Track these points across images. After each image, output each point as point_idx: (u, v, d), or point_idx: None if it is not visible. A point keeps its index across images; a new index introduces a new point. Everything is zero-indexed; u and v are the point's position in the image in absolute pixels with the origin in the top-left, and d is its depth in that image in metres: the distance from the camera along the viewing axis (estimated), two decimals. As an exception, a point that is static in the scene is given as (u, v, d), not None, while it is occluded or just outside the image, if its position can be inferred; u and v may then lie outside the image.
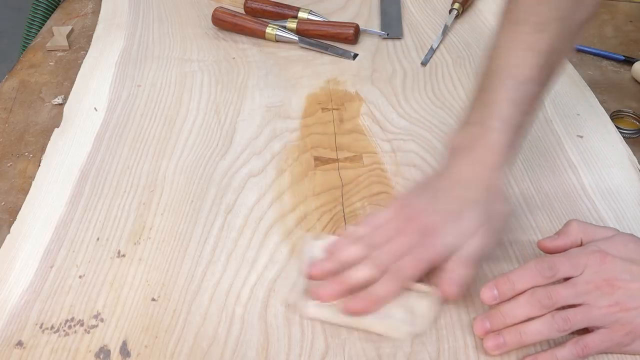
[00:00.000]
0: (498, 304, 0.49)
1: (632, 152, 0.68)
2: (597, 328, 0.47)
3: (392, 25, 0.92)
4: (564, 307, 0.47)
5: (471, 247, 0.51)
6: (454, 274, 0.51)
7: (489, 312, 0.50)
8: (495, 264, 0.56)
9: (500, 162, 0.54)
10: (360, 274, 0.51)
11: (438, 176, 0.56)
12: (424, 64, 0.83)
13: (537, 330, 0.47)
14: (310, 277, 0.53)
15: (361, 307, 0.50)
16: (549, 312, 0.47)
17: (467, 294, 0.54)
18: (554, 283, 0.48)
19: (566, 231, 0.52)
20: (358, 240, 0.53)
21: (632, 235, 0.52)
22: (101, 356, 0.49)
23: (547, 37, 0.53)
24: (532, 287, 0.48)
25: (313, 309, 0.52)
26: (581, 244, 0.51)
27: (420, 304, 0.52)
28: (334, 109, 0.76)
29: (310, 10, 0.91)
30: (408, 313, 0.51)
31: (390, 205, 0.56)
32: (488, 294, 0.49)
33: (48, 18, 1.02)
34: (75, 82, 0.79)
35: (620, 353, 0.49)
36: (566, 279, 0.48)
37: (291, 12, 0.92)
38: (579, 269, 0.48)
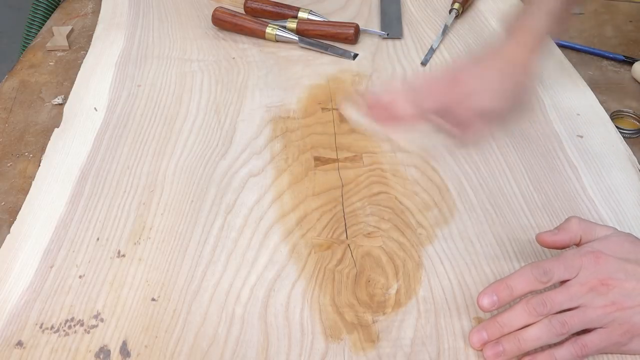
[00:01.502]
0: (493, 314, 0.49)
1: (632, 152, 0.68)
2: (595, 328, 0.47)
3: (392, 25, 0.92)
4: (561, 310, 0.47)
5: (497, 110, 0.61)
6: (475, 129, 0.61)
7: (484, 323, 0.50)
8: (495, 263, 0.57)
9: (538, 45, 0.64)
10: (407, 109, 0.61)
11: (487, 50, 0.66)
12: (424, 64, 0.83)
13: (536, 336, 0.47)
14: (370, 105, 0.63)
15: (385, 120, 0.62)
16: (545, 317, 0.47)
17: (467, 294, 0.54)
18: (549, 286, 0.48)
19: (566, 227, 0.52)
20: (413, 88, 0.63)
21: (629, 234, 0.52)
22: (101, 356, 0.49)
23: None
24: (529, 292, 0.48)
25: (366, 122, 0.62)
26: (580, 241, 0.51)
27: (441, 140, 0.62)
28: (334, 109, 0.76)
29: (310, 10, 0.91)
30: (425, 135, 0.63)
31: (444, 67, 0.73)
32: (488, 300, 0.49)
33: (48, 18, 1.02)
34: (75, 82, 0.79)
35: (619, 353, 0.49)
36: (562, 281, 0.48)
37: (291, 12, 0.92)
38: (574, 271, 0.48)
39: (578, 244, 0.52)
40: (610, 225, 0.54)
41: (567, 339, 0.47)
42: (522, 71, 0.64)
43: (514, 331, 0.48)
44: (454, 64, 0.71)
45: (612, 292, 0.47)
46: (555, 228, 0.53)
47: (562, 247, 0.52)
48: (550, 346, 0.48)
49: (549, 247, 0.52)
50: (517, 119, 0.64)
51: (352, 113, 0.65)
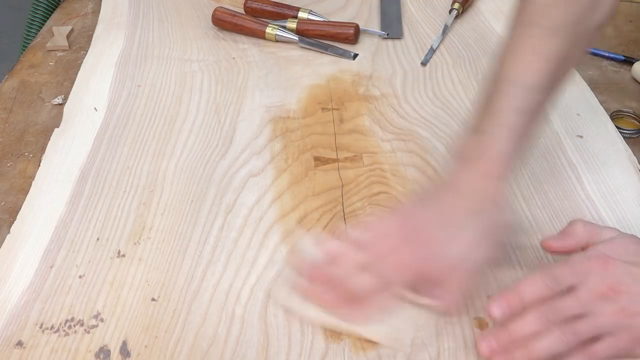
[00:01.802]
0: (502, 321, 0.48)
1: (632, 152, 0.68)
2: (605, 336, 0.47)
3: (392, 25, 0.92)
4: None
5: (473, 261, 0.51)
6: (453, 289, 0.51)
7: (493, 330, 0.49)
8: (495, 264, 0.56)
9: (505, 172, 0.53)
10: (364, 284, 0.50)
11: (442, 186, 0.55)
12: (424, 64, 0.83)
13: (546, 345, 0.46)
14: (311, 279, 0.52)
15: (354, 316, 0.51)
16: (556, 326, 0.46)
17: (467, 295, 0.54)
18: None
19: (572, 232, 0.51)
20: (362, 247, 0.52)
21: (633, 236, 0.51)
22: (101, 356, 0.49)
23: (558, 42, 0.51)
24: (539, 299, 0.47)
25: (312, 312, 0.51)
26: (586, 246, 0.50)
27: (419, 315, 0.52)
28: (334, 109, 0.76)
29: (310, 10, 0.91)
30: (407, 323, 0.51)
31: (393, 214, 0.55)
32: (498, 309, 0.47)
33: (48, 18, 1.02)
34: (75, 82, 0.79)
35: (628, 358, 0.48)
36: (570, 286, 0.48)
37: (291, 12, 0.92)
38: (583, 276, 0.47)
39: (584, 248, 0.51)
40: (612, 227, 0.54)
41: (576, 347, 0.47)
42: (496, 207, 0.53)
43: (523, 339, 0.47)
44: (405, 209, 0.56)
45: (621, 298, 0.46)
46: (560, 233, 0.52)
47: (569, 253, 0.51)
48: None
49: (555, 253, 0.51)
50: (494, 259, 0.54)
51: (290, 301, 0.53)
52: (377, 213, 0.61)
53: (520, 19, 0.53)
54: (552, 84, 0.53)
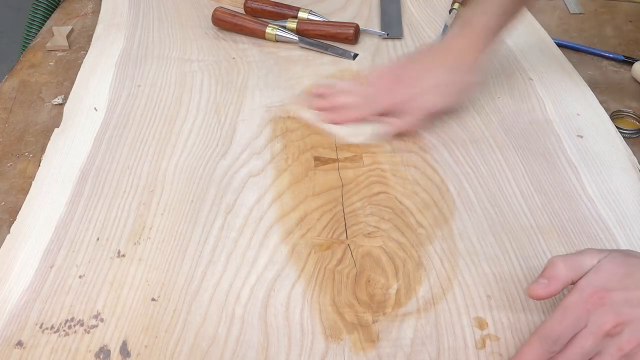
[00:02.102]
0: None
1: (632, 152, 0.68)
2: None
3: (392, 25, 0.92)
4: None
5: (431, 101, 0.68)
6: (407, 119, 0.69)
7: None
8: (495, 263, 0.57)
9: (485, 43, 0.68)
10: (346, 100, 0.72)
11: (431, 47, 0.72)
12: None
13: None
14: (314, 94, 0.75)
15: (336, 119, 0.72)
16: None
17: (467, 293, 0.54)
18: None
19: (554, 275, 0.48)
20: (353, 83, 0.75)
21: (615, 255, 0.49)
22: (101, 356, 0.49)
23: None
24: None
25: (307, 114, 0.73)
26: (572, 282, 0.48)
27: (382, 126, 0.70)
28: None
29: (310, 10, 0.91)
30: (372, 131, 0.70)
31: (388, 64, 0.77)
32: None
33: (48, 18, 1.02)
34: (75, 82, 0.79)
35: None
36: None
37: (291, 12, 0.92)
38: (583, 322, 0.46)
39: (572, 283, 0.49)
40: (586, 248, 0.51)
41: None
42: (469, 68, 0.69)
43: None
44: (401, 60, 0.74)
45: (625, 330, 0.45)
46: (543, 277, 0.49)
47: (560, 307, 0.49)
48: None
49: (543, 299, 0.50)
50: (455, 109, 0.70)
51: (302, 111, 0.73)
52: (376, 211, 0.62)
53: None
54: None
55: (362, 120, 0.71)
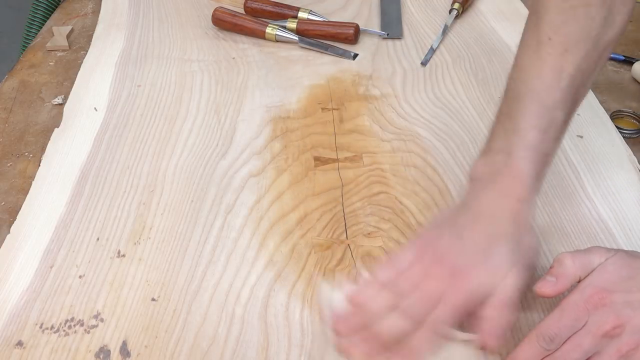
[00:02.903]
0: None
1: (632, 152, 0.68)
2: None
3: (392, 25, 0.92)
4: None
5: (507, 289, 0.47)
6: (494, 322, 0.47)
7: None
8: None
9: (527, 192, 0.50)
10: (392, 326, 0.47)
11: (461, 210, 0.51)
12: (424, 64, 0.83)
13: None
14: (337, 334, 0.48)
15: (375, 352, 0.47)
16: None
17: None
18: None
19: (562, 271, 0.47)
20: (383, 288, 0.48)
21: (622, 255, 0.48)
22: (101, 356, 0.49)
23: (573, 59, 0.50)
24: None
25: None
26: (579, 279, 0.48)
27: (461, 353, 0.47)
28: (334, 109, 0.76)
29: (310, 10, 0.91)
30: None
31: (411, 244, 0.51)
32: None
33: (48, 18, 1.02)
34: (75, 82, 0.79)
35: None
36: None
37: (291, 12, 0.92)
38: (582, 322, 0.46)
39: (579, 281, 0.48)
40: (595, 246, 0.50)
41: None
42: (526, 230, 0.50)
43: None
44: (422, 237, 0.52)
45: (624, 333, 0.45)
46: (551, 274, 0.47)
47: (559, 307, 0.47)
48: None
49: (551, 297, 0.49)
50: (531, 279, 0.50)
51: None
52: (376, 211, 0.61)
53: (534, 36, 0.52)
54: (570, 101, 0.51)
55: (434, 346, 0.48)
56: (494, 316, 0.47)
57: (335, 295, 0.49)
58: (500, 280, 0.47)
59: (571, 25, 0.50)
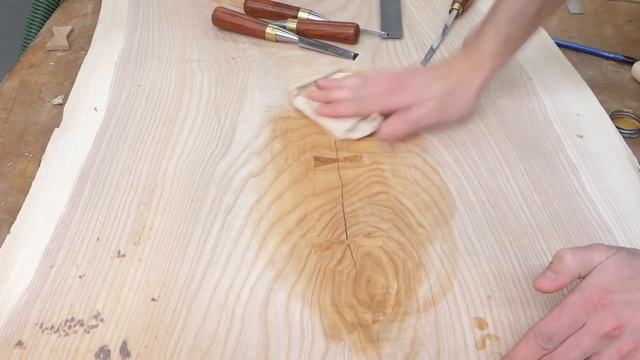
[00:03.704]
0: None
1: (632, 152, 0.68)
2: None
3: (392, 25, 0.92)
4: None
5: (416, 109, 0.69)
6: (389, 124, 0.70)
7: None
8: (495, 263, 0.57)
9: (482, 61, 0.69)
10: (343, 95, 0.73)
11: (436, 63, 0.75)
12: (424, 64, 0.83)
13: None
14: (317, 86, 0.77)
15: (327, 112, 0.73)
16: None
17: (467, 293, 0.54)
18: None
19: (563, 268, 0.48)
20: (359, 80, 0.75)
21: (623, 254, 0.48)
22: (101, 356, 0.49)
23: None
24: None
25: (300, 101, 0.75)
26: (580, 276, 0.48)
27: (365, 121, 0.71)
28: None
29: (310, 10, 0.91)
30: (353, 123, 0.71)
31: (393, 70, 0.76)
32: None
33: (48, 18, 1.02)
34: (75, 82, 0.79)
35: None
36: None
37: (291, 12, 0.92)
38: (581, 322, 0.46)
39: (579, 277, 0.48)
40: (596, 243, 0.50)
41: None
42: (469, 90, 0.69)
43: None
44: (407, 68, 0.74)
45: (624, 334, 0.45)
46: (550, 270, 0.48)
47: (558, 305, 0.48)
48: None
49: (550, 293, 0.49)
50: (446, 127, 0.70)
51: (300, 101, 0.75)
52: (376, 211, 0.62)
53: None
54: (532, 16, 0.68)
55: (349, 117, 0.71)
56: (393, 120, 0.70)
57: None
58: (420, 104, 0.69)
59: None
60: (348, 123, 0.71)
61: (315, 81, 0.78)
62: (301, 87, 0.78)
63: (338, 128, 0.71)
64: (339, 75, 0.79)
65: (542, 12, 0.69)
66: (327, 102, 0.73)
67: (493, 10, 0.70)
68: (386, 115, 0.71)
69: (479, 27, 0.71)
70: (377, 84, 0.72)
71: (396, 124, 0.69)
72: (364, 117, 0.71)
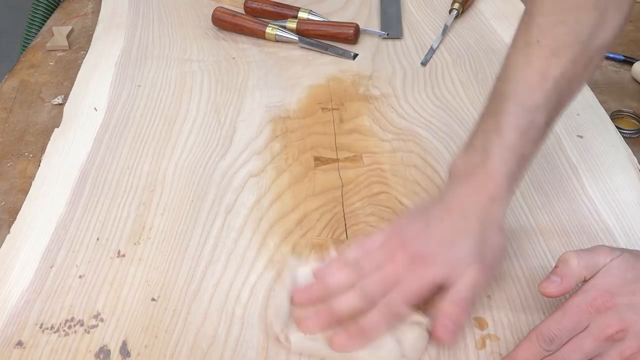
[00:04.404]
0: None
1: (632, 152, 0.68)
2: None
3: (392, 25, 0.92)
4: None
5: (466, 285, 0.49)
6: (449, 318, 0.48)
7: None
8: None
9: (500, 191, 0.51)
10: (347, 303, 0.48)
11: (435, 202, 0.53)
12: (423, 64, 0.83)
13: None
14: (295, 303, 0.50)
15: (348, 341, 0.48)
16: None
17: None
18: None
19: (568, 272, 0.47)
20: (346, 266, 0.50)
21: (627, 256, 0.47)
22: (101, 356, 0.49)
23: (561, 62, 0.50)
24: None
25: (298, 341, 0.48)
26: (585, 279, 0.48)
27: (411, 334, 0.48)
28: (334, 109, 0.76)
29: (310, 10, 0.92)
30: (398, 344, 0.48)
31: (383, 229, 0.53)
32: None
33: (48, 18, 1.02)
34: (75, 82, 0.79)
35: None
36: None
37: (291, 12, 0.92)
38: (584, 325, 0.45)
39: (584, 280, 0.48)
40: (600, 245, 0.49)
41: None
42: (496, 229, 0.51)
43: None
44: (394, 224, 0.53)
45: (627, 336, 0.45)
46: (555, 274, 0.47)
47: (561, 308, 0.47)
48: None
49: (557, 297, 0.48)
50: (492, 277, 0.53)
51: (296, 337, 0.49)
52: (376, 211, 0.61)
53: (523, 38, 0.52)
54: (555, 105, 0.51)
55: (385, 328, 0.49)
56: (450, 311, 0.48)
57: (301, 270, 0.52)
58: (459, 273, 0.49)
59: (560, 29, 0.50)
60: (388, 343, 0.48)
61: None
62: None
63: (385, 358, 0.48)
64: (301, 270, 0.53)
65: (555, 118, 0.53)
66: (332, 319, 0.49)
67: (494, 103, 0.53)
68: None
69: (474, 137, 0.53)
70: (380, 266, 0.50)
71: (454, 314, 0.48)
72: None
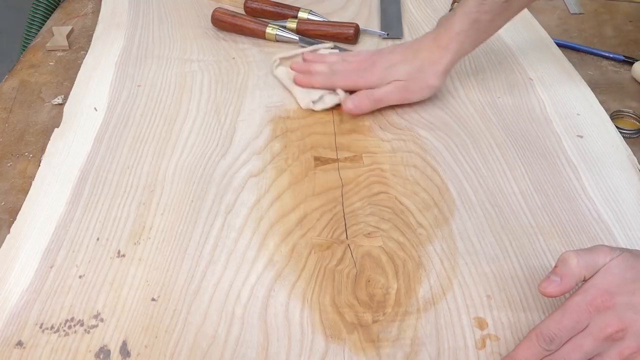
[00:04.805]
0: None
1: (632, 152, 0.68)
2: None
3: (392, 25, 0.92)
4: None
5: (383, 89, 0.73)
6: (355, 97, 0.73)
7: None
8: (495, 263, 0.57)
9: (449, 42, 0.71)
10: (319, 67, 0.77)
11: (406, 42, 0.76)
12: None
13: None
14: (303, 58, 0.81)
15: (300, 80, 0.77)
16: None
17: (467, 293, 0.54)
18: None
19: (567, 272, 0.47)
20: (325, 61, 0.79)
21: (626, 256, 0.48)
22: (101, 356, 0.49)
23: None
24: None
25: (280, 71, 0.80)
26: (585, 279, 0.48)
27: (329, 97, 0.75)
28: (334, 109, 0.75)
29: (310, 10, 0.92)
30: (319, 97, 0.75)
31: (368, 51, 0.78)
32: None
33: (48, 18, 1.02)
34: (75, 82, 0.79)
35: None
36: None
37: (291, 12, 0.92)
38: (583, 325, 0.46)
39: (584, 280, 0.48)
40: (599, 245, 0.50)
41: None
42: (433, 72, 0.72)
43: None
44: (384, 49, 0.77)
45: (626, 336, 0.45)
46: (555, 274, 0.48)
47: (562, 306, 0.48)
48: None
49: (557, 297, 0.49)
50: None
51: (280, 71, 0.80)
52: (376, 211, 0.62)
53: None
54: (501, 4, 0.70)
55: (319, 88, 0.76)
56: (357, 96, 0.73)
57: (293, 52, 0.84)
58: (391, 93, 0.73)
59: None
60: (315, 95, 0.75)
61: (300, 54, 0.82)
62: (284, 58, 0.82)
63: (305, 97, 0.75)
64: (326, 51, 0.83)
65: (511, 2, 0.71)
66: (306, 73, 0.77)
67: None
68: (352, 92, 0.74)
69: (451, 11, 0.73)
70: (352, 62, 0.76)
71: (360, 99, 0.73)
72: (332, 91, 0.75)
